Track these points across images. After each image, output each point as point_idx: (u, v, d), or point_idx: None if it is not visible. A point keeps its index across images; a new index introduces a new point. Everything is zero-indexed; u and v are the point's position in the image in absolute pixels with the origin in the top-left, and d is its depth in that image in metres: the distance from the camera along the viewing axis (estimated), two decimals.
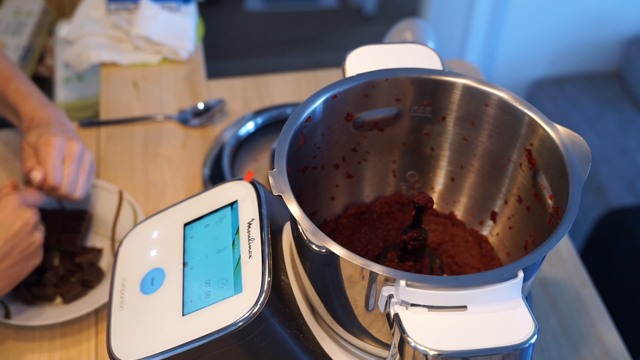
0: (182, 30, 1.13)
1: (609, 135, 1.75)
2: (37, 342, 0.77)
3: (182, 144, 0.99)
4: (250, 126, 0.98)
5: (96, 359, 0.76)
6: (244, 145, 0.97)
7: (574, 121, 1.79)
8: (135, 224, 0.70)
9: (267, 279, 0.57)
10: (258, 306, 0.56)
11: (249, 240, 0.60)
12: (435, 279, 0.51)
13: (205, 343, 0.56)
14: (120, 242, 0.69)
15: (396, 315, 0.50)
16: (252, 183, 0.65)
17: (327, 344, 0.62)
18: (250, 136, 0.98)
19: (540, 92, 1.92)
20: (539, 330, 0.53)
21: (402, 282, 0.50)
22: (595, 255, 1.57)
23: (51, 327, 0.78)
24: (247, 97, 1.07)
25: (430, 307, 0.51)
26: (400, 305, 0.51)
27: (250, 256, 0.59)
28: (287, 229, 0.65)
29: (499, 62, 1.96)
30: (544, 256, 0.54)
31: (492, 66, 1.96)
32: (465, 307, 0.51)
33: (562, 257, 0.88)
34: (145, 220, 0.69)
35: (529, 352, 0.49)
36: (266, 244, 0.60)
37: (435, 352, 0.48)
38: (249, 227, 0.61)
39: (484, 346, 0.49)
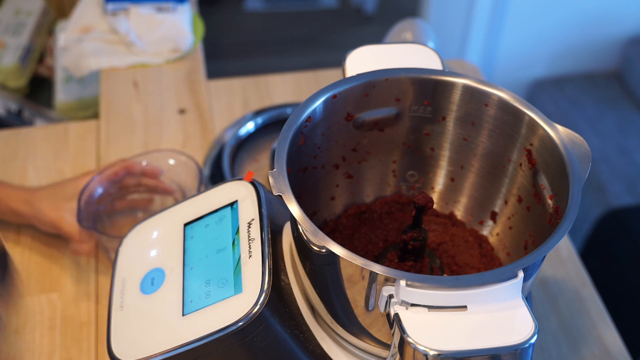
0: (178, 30, 1.13)
1: (609, 135, 1.75)
2: (37, 341, 0.77)
3: (182, 144, 0.99)
4: (250, 126, 0.98)
5: (96, 359, 0.76)
6: (244, 145, 0.97)
7: (574, 121, 1.79)
8: (135, 224, 0.70)
9: (267, 279, 0.57)
10: (258, 306, 0.56)
11: (249, 240, 0.60)
12: (435, 279, 0.51)
13: (205, 343, 0.56)
14: (120, 242, 0.69)
15: (396, 315, 0.50)
16: (252, 183, 0.65)
17: (327, 344, 0.62)
18: (250, 136, 0.98)
19: (540, 92, 1.92)
20: (539, 330, 0.53)
21: (402, 282, 0.50)
22: (595, 255, 1.57)
23: (51, 326, 0.78)
24: (247, 97, 1.07)
25: (430, 307, 0.51)
26: (400, 305, 0.51)
27: (250, 256, 0.59)
28: (287, 229, 0.65)
29: (499, 62, 1.96)
30: (544, 256, 0.54)
31: (492, 66, 1.96)
32: (465, 307, 0.51)
33: (562, 257, 0.88)
34: (145, 220, 0.69)
35: (529, 352, 0.49)
36: (266, 244, 0.60)
37: (435, 352, 0.48)
38: (249, 227, 0.61)
39: (484, 346, 0.49)
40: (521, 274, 0.51)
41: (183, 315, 0.59)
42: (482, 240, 0.71)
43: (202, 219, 0.65)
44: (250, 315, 0.56)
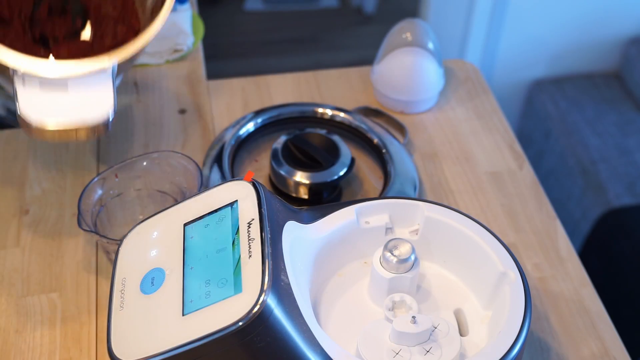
0: (178, 30, 1.13)
1: (609, 135, 1.75)
2: (37, 341, 0.77)
3: (182, 144, 0.99)
4: (250, 126, 0.98)
5: (96, 359, 0.76)
6: (244, 145, 0.97)
7: (574, 121, 1.80)
8: (135, 224, 0.70)
9: (267, 279, 0.57)
10: (258, 306, 0.56)
11: (249, 240, 0.61)
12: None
13: (205, 343, 0.56)
14: (120, 242, 0.69)
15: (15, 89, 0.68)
16: (252, 183, 0.65)
17: (327, 344, 0.62)
18: (250, 136, 0.98)
19: (540, 92, 1.92)
20: (115, 110, 0.70)
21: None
22: (595, 255, 1.57)
23: (52, 326, 0.78)
24: (247, 97, 1.07)
25: (41, 85, 0.68)
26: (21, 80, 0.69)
27: (250, 256, 0.59)
28: (287, 229, 0.65)
29: (499, 62, 1.96)
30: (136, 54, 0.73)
31: (492, 66, 1.97)
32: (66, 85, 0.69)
33: (562, 257, 0.88)
34: (145, 220, 0.69)
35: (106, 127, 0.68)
36: (266, 244, 0.60)
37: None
38: (249, 227, 0.61)
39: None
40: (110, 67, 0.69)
41: (183, 315, 0.59)
42: None
43: (202, 219, 0.65)
44: (250, 315, 0.56)
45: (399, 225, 0.74)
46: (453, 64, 1.14)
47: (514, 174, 0.97)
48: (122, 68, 0.79)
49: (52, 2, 0.88)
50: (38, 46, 0.87)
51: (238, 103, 1.06)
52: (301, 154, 0.92)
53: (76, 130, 0.69)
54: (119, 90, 1.07)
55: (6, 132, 1.01)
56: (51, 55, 0.86)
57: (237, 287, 0.58)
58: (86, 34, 0.90)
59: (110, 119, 0.69)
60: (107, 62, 0.71)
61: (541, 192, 0.95)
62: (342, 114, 0.99)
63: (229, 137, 0.96)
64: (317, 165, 0.91)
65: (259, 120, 0.99)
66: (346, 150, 0.92)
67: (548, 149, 1.86)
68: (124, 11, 0.88)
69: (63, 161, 0.96)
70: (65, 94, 0.70)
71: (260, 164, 0.96)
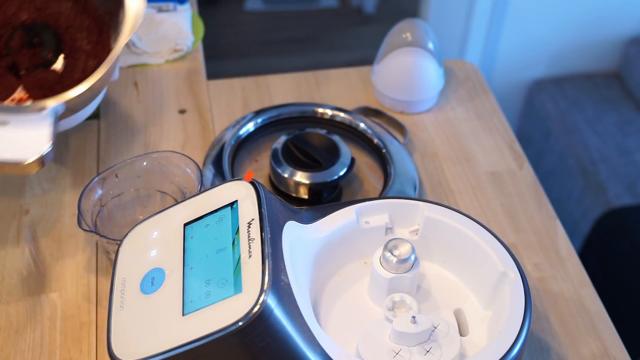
0: (178, 30, 1.13)
1: (609, 135, 1.75)
2: (37, 341, 0.77)
3: (182, 144, 0.99)
4: (250, 126, 0.98)
5: (96, 359, 0.76)
6: (244, 145, 0.97)
7: (574, 121, 1.80)
8: (135, 224, 0.70)
9: (267, 279, 0.57)
10: (258, 306, 0.56)
11: (249, 240, 0.61)
12: None
13: (205, 343, 0.56)
14: (120, 242, 0.69)
15: None
16: (252, 183, 0.65)
17: (327, 344, 0.62)
18: (250, 136, 0.98)
19: (540, 92, 1.92)
20: (52, 147, 0.75)
21: None
22: (595, 255, 1.57)
23: (52, 326, 0.78)
24: (247, 97, 1.07)
25: None
26: None
27: (250, 256, 0.59)
28: (287, 229, 0.65)
29: (499, 62, 1.96)
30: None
31: (492, 66, 1.97)
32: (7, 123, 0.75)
33: (562, 256, 0.88)
34: (145, 220, 0.69)
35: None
36: (266, 244, 0.60)
37: None
38: (249, 227, 0.61)
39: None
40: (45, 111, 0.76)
41: (183, 315, 0.59)
42: (104, 29, 0.87)
43: (202, 219, 0.65)
44: (250, 315, 0.56)
45: (399, 225, 0.74)
46: (453, 64, 1.14)
47: (514, 174, 0.97)
48: (76, 106, 0.83)
49: (22, 34, 0.91)
50: (10, 74, 0.90)
51: (238, 103, 1.06)
52: (301, 154, 0.92)
53: (2, 165, 0.74)
54: (119, 90, 1.07)
55: None
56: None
57: (237, 287, 0.58)
58: (58, 65, 0.92)
59: (43, 157, 0.75)
60: (44, 104, 0.78)
61: (541, 192, 0.95)
62: (342, 114, 0.99)
63: (229, 137, 0.96)
64: (317, 165, 0.91)
65: (259, 120, 0.99)
66: (346, 150, 0.92)
67: (548, 149, 1.86)
68: (97, 46, 0.91)
69: (63, 161, 0.96)
70: (3, 129, 0.75)
71: (260, 164, 0.96)
